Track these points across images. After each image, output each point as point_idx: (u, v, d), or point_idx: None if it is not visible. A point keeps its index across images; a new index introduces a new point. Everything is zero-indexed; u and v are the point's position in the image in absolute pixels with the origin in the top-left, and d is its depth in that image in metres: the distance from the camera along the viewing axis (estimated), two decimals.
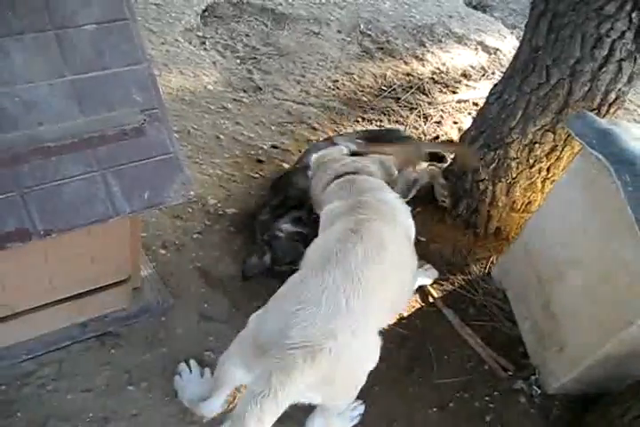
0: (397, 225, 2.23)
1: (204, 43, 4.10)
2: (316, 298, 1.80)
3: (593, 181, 2.32)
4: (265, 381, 1.64)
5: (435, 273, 2.85)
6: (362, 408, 2.36)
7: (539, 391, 2.56)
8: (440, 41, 4.51)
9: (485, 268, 3.02)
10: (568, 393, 2.56)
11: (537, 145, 2.78)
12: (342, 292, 1.82)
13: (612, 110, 2.67)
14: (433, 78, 4.17)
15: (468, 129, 3.11)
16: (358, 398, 2.30)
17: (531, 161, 2.84)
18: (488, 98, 2.96)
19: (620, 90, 2.59)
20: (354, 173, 2.46)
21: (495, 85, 2.93)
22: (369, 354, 1.94)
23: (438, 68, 4.27)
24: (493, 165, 2.91)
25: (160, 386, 2.31)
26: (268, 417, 1.62)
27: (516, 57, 2.81)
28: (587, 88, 2.57)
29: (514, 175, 2.90)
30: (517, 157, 2.84)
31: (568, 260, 2.47)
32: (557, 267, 2.52)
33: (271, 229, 2.71)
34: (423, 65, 4.29)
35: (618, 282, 2.20)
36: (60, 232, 1.79)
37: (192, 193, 2.14)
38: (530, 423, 2.48)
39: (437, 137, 3.66)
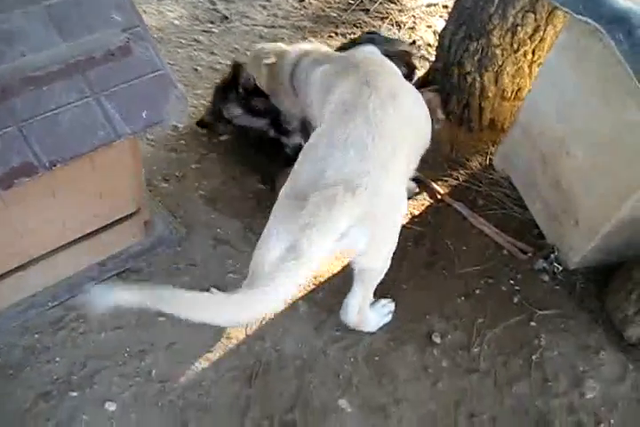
0: (401, 78, 2.28)
1: None
2: (343, 143, 1.83)
3: (584, 52, 2.30)
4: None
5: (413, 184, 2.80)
6: (392, 306, 2.40)
7: (560, 268, 2.60)
8: None
9: (486, 160, 3.02)
10: (589, 266, 2.59)
11: (519, 28, 2.74)
12: (366, 134, 1.84)
13: None
14: None
15: (445, 26, 3.06)
16: (387, 296, 2.35)
17: (515, 46, 2.81)
18: None
19: None
20: None
21: None
22: (400, 196, 1.98)
23: None
24: (478, 55, 2.88)
25: None
26: (318, 251, 1.64)
27: None
28: None
29: (500, 63, 2.87)
30: (501, 44, 2.81)
31: (570, 134, 2.47)
32: (560, 144, 2.52)
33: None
34: None
35: (625, 146, 2.21)
36: (65, 162, 1.77)
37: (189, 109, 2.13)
38: (556, 300, 2.52)
39: (414, 42, 3.59)
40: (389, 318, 2.38)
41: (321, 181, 1.75)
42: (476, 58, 2.88)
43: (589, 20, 2.13)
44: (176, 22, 3.63)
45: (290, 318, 2.36)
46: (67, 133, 1.77)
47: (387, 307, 2.39)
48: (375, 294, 2.26)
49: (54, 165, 1.75)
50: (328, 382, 2.23)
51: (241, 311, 1.62)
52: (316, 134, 1.99)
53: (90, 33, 1.82)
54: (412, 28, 3.74)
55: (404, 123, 2.00)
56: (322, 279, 2.47)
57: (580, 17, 2.17)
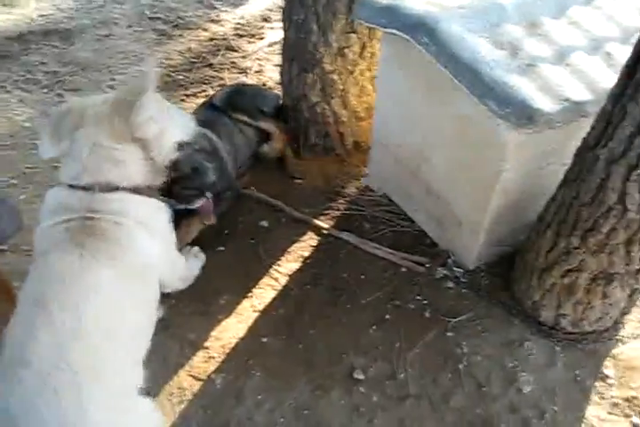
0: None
1: (3, 86, 3.89)
2: None
3: (405, 59, 2.33)
4: None
5: (202, 255, 2.60)
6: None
7: (461, 271, 2.57)
8: None
9: (361, 183, 3.01)
10: (489, 262, 2.58)
11: (346, 50, 2.77)
12: None
13: None
14: (237, 34, 4.11)
15: (281, 64, 3.06)
16: (298, 344, 2.32)
17: (349, 67, 2.83)
18: (283, 27, 2.91)
19: None
20: None
21: (283, 12, 2.88)
22: None
23: (238, 23, 4.21)
24: (318, 85, 2.88)
25: None
26: None
27: None
28: None
29: (341, 87, 2.88)
30: (335, 69, 2.82)
31: (422, 140, 2.48)
32: (417, 151, 2.53)
33: None
34: (222, 25, 4.22)
35: (470, 139, 2.22)
36: None
37: None
38: (467, 303, 2.49)
39: (264, 85, 3.60)
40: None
41: None
42: (317, 88, 2.88)
43: (395, 31, 2.16)
44: (26, 124, 3.54)
45: (208, 395, 2.26)
46: None
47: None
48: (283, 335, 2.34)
49: None
50: None
51: None
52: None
53: None
54: (259, 71, 3.75)
55: None
56: (230, 346, 2.39)
57: (386, 30, 2.20)
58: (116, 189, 1.85)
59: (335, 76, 2.83)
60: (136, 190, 1.89)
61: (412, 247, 2.69)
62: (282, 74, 3.09)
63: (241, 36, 4.08)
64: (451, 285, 2.55)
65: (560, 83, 1.98)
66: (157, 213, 1.98)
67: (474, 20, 2.08)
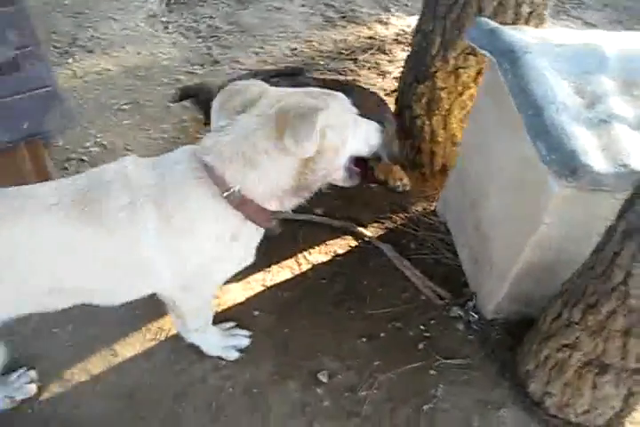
0: None
1: (167, 27, 4.17)
2: None
3: (497, 88, 2.23)
4: None
5: (245, 340, 2.35)
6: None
7: (476, 317, 2.45)
8: (406, 5, 4.46)
9: (431, 205, 2.93)
10: (508, 318, 2.43)
11: (461, 70, 2.71)
12: None
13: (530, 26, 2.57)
14: (396, 39, 4.12)
15: (402, 70, 3.05)
16: (284, 330, 2.35)
17: (459, 88, 2.77)
18: (414, 31, 2.90)
19: (532, 2, 2.49)
20: None
21: (420, 18, 2.87)
22: None
23: (403, 30, 4.22)
24: (425, 98, 2.84)
25: None
26: None
27: None
28: (496, 3, 2.49)
29: (446, 106, 2.83)
30: (446, 86, 2.77)
31: (487, 175, 2.38)
32: (482, 186, 2.43)
33: None
34: (387, 28, 4.25)
35: (526, 184, 2.10)
36: None
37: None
38: (466, 350, 2.37)
39: (395, 90, 3.59)
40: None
41: None
42: (423, 101, 2.85)
43: (487, 53, 2.09)
44: (165, 63, 3.77)
45: (177, 344, 2.30)
46: None
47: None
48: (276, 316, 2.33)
49: None
50: (200, 410, 2.15)
51: None
52: None
53: None
54: (397, 78, 3.73)
55: None
56: (222, 307, 2.42)
57: (481, 50, 2.14)
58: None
59: (444, 94, 2.78)
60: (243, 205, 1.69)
61: (443, 279, 2.59)
62: (400, 79, 3.07)
63: (399, 42, 4.10)
64: (460, 327, 2.43)
65: (628, 147, 1.82)
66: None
67: (567, 61, 1.98)
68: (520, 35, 2.08)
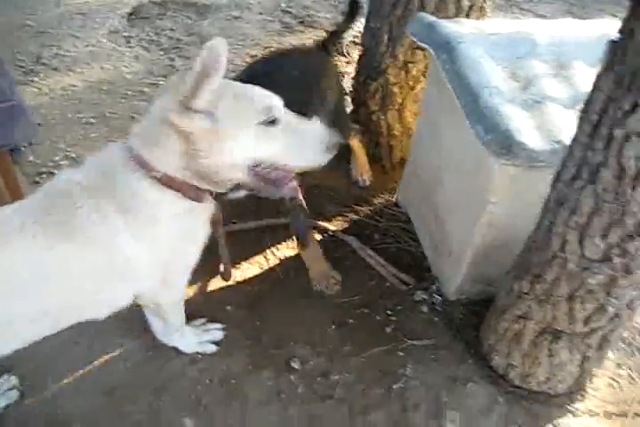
0: None
1: (129, 42, 4.26)
2: None
3: (438, 76, 2.34)
4: None
5: (219, 333, 2.42)
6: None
7: (440, 299, 2.55)
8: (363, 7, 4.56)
9: (393, 197, 3.03)
10: (471, 298, 2.54)
11: (411, 65, 2.82)
12: None
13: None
14: (354, 41, 4.22)
15: (356, 67, 3.16)
16: (255, 321, 2.44)
17: (410, 83, 2.88)
18: (362, 33, 3.01)
19: None
20: None
21: (367, 18, 2.98)
22: None
23: (360, 32, 4.31)
24: (378, 94, 2.95)
25: None
26: None
27: None
28: None
29: (399, 101, 2.94)
30: (397, 82, 2.88)
31: (441, 162, 2.48)
32: (436, 173, 2.53)
33: None
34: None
35: (472, 165, 2.21)
36: None
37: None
38: (432, 331, 2.46)
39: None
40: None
41: None
42: (377, 97, 2.95)
43: (426, 46, 2.20)
44: (128, 77, 3.86)
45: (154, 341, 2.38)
46: None
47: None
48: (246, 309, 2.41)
49: None
50: (179, 403, 2.22)
51: None
52: None
53: None
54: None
55: None
56: (195, 302, 2.50)
57: (422, 44, 2.24)
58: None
59: (396, 89, 2.89)
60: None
61: (406, 266, 2.69)
62: (353, 79, 3.18)
63: (357, 44, 4.19)
64: (425, 309, 2.53)
65: (561, 125, 1.93)
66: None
67: (501, 48, 2.09)
68: (457, 27, 2.19)
